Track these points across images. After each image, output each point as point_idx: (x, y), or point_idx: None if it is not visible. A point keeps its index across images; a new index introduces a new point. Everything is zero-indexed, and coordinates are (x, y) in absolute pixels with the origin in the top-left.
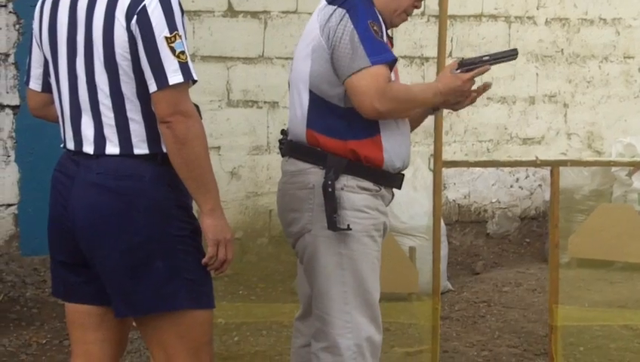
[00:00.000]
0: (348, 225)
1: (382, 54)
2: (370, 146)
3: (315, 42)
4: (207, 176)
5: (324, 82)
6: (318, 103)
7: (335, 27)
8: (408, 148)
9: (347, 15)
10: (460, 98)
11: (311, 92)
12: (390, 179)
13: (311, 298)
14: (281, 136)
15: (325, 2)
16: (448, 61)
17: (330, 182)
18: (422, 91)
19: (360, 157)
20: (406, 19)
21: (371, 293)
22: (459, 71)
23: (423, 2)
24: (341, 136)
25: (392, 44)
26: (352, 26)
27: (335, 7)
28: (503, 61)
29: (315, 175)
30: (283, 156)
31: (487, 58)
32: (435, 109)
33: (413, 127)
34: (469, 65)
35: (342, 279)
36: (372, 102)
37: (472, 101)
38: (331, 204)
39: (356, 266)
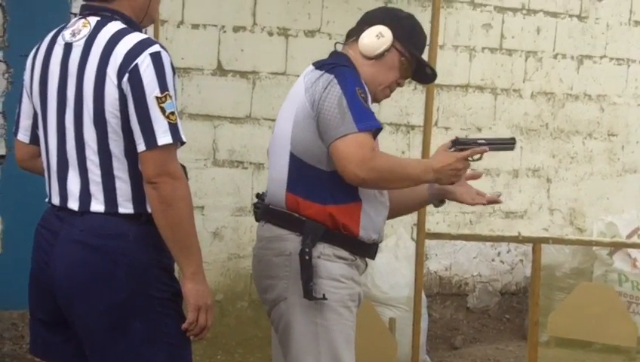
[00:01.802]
0: (324, 295)
1: (368, 121)
2: (349, 213)
3: (299, 105)
4: (190, 240)
5: (307, 145)
6: (298, 166)
7: (321, 91)
8: (385, 219)
9: (335, 80)
10: (453, 177)
11: (292, 155)
12: (365, 249)
13: None
14: (256, 200)
15: (313, 67)
16: (434, 130)
17: (307, 250)
18: (412, 166)
19: (338, 224)
20: (388, 96)
21: None
22: (453, 150)
23: (406, 81)
24: (321, 200)
25: None
26: (340, 92)
27: (323, 72)
28: (499, 149)
29: (292, 242)
30: (258, 221)
31: (482, 142)
32: (440, 201)
33: (405, 211)
34: (462, 145)
35: (317, 349)
36: (353, 168)
37: (485, 201)
38: (308, 272)
39: (331, 336)
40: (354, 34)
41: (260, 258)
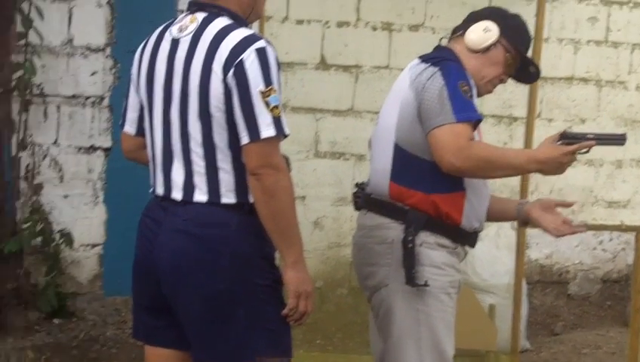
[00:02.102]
0: (426, 282)
1: (467, 112)
2: (453, 202)
3: (404, 97)
4: (292, 229)
5: (411, 136)
6: (402, 156)
7: (424, 82)
8: (486, 208)
9: (439, 72)
10: (557, 170)
11: (396, 145)
12: (466, 238)
13: (384, 353)
14: (356, 190)
15: (418, 60)
16: (537, 122)
17: (410, 238)
18: (514, 156)
19: (441, 213)
20: (491, 91)
21: (446, 351)
22: (560, 143)
23: (507, 79)
24: (425, 189)
25: None
26: (442, 83)
27: (428, 65)
28: (608, 144)
29: (394, 230)
30: (359, 209)
31: (591, 136)
32: (524, 223)
33: (488, 219)
34: (570, 139)
35: (418, 335)
36: (450, 158)
37: (569, 231)
38: (410, 260)
39: (432, 322)
40: (460, 29)
41: (361, 246)
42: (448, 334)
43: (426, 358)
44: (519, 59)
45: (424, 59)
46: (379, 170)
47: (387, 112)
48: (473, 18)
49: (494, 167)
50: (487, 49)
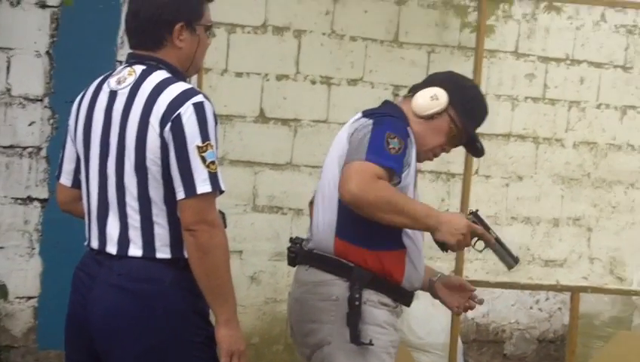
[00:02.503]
0: (370, 340)
1: (380, 158)
2: (396, 260)
3: (343, 151)
4: (225, 287)
5: None
6: (347, 211)
7: (357, 133)
8: (423, 267)
9: (372, 124)
10: (451, 236)
11: (340, 200)
12: (405, 297)
13: None
14: (290, 245)
15: (360, 114)
16: (474, 178)
17: (357, 296)
18: (416, 207)
19: (385, 271)
20: (431, 159)
21: None
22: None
23: (450, 149)
24: (369, 246)
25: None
26: (369, 130)
27: (366, 118)
28: (499, 255)
29: (338, 287)
30: (293, 265)
31: (495, 235)
32: (436, 296)
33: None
34: (478, 221)
35: None
36: (351, 187)
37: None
38: (356, 318)
39: None
40: (413, 90)
41: (302, 302)
42: None
43: None
44: (465, 133)
45: (365, 113)
46: (324, 224)
47: (329, 166)
48: (428, 81)
49: (391, 210)
50: (430, 117)
